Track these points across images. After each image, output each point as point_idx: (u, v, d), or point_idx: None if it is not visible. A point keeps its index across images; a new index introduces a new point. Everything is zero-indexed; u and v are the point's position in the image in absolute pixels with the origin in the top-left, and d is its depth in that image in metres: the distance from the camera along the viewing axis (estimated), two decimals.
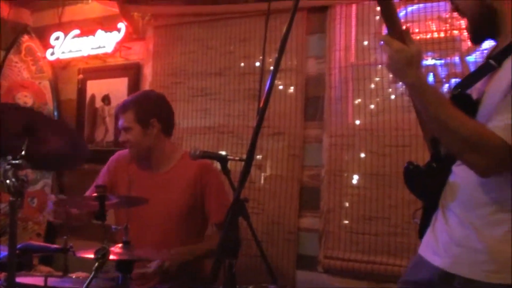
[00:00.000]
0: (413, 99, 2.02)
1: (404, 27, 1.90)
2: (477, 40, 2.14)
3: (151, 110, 3.37)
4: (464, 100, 1.94)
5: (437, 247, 2.01)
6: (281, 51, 2.00)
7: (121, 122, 3.38)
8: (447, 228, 2.00)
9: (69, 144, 2.69)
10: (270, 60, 3.95)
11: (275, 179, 4.02)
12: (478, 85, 1.98)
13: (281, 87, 4.06)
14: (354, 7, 3.81)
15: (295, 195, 3.93)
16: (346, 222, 3.72)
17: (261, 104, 1.89)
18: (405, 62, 1.83)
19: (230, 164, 2.93)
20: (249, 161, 1.88)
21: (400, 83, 1.98)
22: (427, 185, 2.16)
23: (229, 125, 4.27)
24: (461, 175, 1.99)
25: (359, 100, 3.75)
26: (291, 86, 4.03)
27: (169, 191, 3.38)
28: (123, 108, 3.38)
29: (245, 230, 2.54)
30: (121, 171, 3.53)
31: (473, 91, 1.98)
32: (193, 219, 3.40)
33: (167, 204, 3.36)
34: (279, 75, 4.07)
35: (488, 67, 1.96)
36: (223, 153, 4.12)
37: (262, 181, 4.06)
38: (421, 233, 2.18)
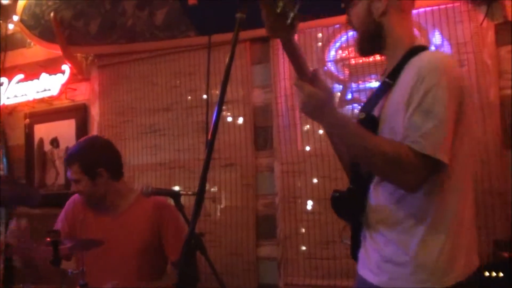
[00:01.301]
0: (330, 135, 2.17)
1: (312, 69, 1.93)
2: (364, 53, 2.25)
3: (97, 161, 3.32)
4: (371, 121, 2.03)
5: (371, 265, 2.10)
6: (225, 82, 2.00)
7: (69, 174, 3.33)
8: (376, 246, 2.08)
9: (19, 192, 2.70)
10: (217, 92, 4.00)
11: (230, 211, 4.03)
12: (380, 104, 2.06)
13: (229, 118, 4.10)
14: (295, 36, 3.85)
15: (251, 225, 3.95)
16: (304, 248, 3.74)
17: (209, 137, 1.91)
18: (318, 106, 1.88)
19: (184, 199, 2.92)
20: (200, 194, 1.88)
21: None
22: (350, 208, 2.20)
23: (180, 159, 4.28)
24: (378, 195, 2.08)
25: (308, 126, 3.80)
26: (240, 116, 4.07)
27: (126, 232, 3.35)
28: (68, 161, 3.32)
29: (204, 264, 2.54)
30: (78, 214, 3.49)
31: (376, 111, 2.06)
32: (152, 258, 3.37)
33: (125, 244, 3.32)
34: (227, 106, 4.10)
35: (386, 86, 2.07)
36: (177, 188, 4.13)
37: (217, 214, 4.07)
38: (354, 254, 2.25)
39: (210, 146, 1.91)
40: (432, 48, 3.41)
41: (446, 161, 1.87)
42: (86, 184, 3.28)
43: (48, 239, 2.76)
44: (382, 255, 2.05)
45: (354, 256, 2.23)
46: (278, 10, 1.76)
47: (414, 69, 1.98)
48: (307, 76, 1.89)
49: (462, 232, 2.01)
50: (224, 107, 4.11)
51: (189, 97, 4.30)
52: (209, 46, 2.39)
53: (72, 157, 3.29)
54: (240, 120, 4.06)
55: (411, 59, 2.04)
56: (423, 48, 2.08)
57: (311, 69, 1.92)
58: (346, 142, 1.97)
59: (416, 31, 3.45)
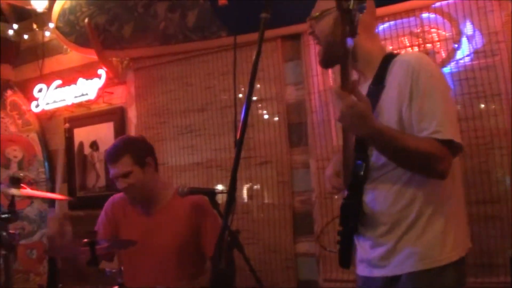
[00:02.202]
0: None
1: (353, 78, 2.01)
2: (327, 64, 2.36)
3: (144, 150, 3.42)
4: None
5: (373, 262, 2.21)
6: (252, 81, 2.06)
7: (117, 170, 3.37)
8: (376, 242, 2.20)
9: None
10: (256, 90, 4.07)
11: (267, 208, 4.05)
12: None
13: (263, 116, 4.12)
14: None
15: (288, 222, 3.96)
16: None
17: (238, 136, 1.95)
18: (358, 117, 1.92)
19: (222, 197, 2.96)
20: (231, 192, 1.94)
21: None
22: (348, 210, 2.25)
23: (217, 159, 4.31)
24: (377, 191, 2.19)
25: None
26: (273, 114, 4.09)
27: (165, 230, 3.42)
28: (116, 156, 3.38)
29: (242, 262, 2.58)
30: (117, 214, 3.56)
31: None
32: (190, 256, 3.43)
33: (164, 242, 3.40)
34: (261, 104, 4.12)
35: (374, 91, 2.16)
36: (219, 187, 4.17)
37: (255, 211, 4.09)
38: (344, 260, 2.30)
39: (239, 145, 1.96)
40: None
41: (462, 144, 2.06)
42: (138, 175, 3.36)
43: (85, 240, 2.83)
44: (385, 246, 2.17)
45: (345, 261, 2.30)
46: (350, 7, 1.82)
47: (403, 67, 2.11)
48: (347, 86, 1.91)
49: (460, 213, 2.21)
50: (257, 105, 4.14)
51: (225, 97, 4.32)
52: (235, 46, 2.41)
53: (120, 151, 3.36)
54: (274, 118, 4.08)
55: (391, 61, 2.18)
56: (396, 53, 2.24)
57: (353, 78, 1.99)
58: (382, 147, 2.05)
59: (446, 22, 3.45)
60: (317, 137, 3.87)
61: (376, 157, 2.18)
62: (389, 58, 2.22)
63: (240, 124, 1.94)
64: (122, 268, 2.86)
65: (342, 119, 1.96)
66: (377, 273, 2.20)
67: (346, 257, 2.29)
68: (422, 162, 2.04)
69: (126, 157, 3.36)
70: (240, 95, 4.19)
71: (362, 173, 2.19)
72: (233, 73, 2.61)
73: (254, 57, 3.82)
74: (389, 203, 2.16)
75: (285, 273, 3.93)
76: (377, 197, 2.18)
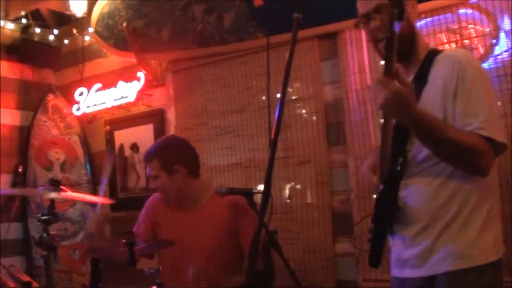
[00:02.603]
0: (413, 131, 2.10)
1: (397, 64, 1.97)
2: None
3: (174, 157, 3.45)
4: None
5: (410, 262, 2.18)
6: (286, 81, 2.06)
7: (148, 171, 3.49)
8: (413, 242, 2.16)
9: None
10: (291, 90, 4.12)
11: (306, 208, 4.05)
12: None
13: (301, 116, 4.11)
14: (363, 30, 3.84)
15: (328, 222, 3.95)
16: None
17: (272, 136, 1.97)
18: (403, 103, 1.91)
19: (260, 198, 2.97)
20: (266, 192, 1.95)
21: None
22: (383, 206, 2.24)
23: (255, 159, 4.33)
24: (414, 190, 2.16)
25: (382, 120, 3.75)
26: (311, 114, 4.08)
27: (204, 229, 3.47)
28: (148, 158, 3.48)
29: (282, 262, 2.60)
30: (158, 212, 3.63)
31: None
32: (229, 255, 3.46)
33: (203, 241, 3.45)
34: (298, 104, 4.13)
35: (419, 87, 2.11)
36: (260, 187, 4.17)
37: (294, 211, 4.09)
38: (374, 259, 2.28)
39: (273, 145, 1.97)
40: None
41: (506, 143, 2.04)
42: (164, 180, 3.43)
43: (124, 240, 2.88)
44: (421, 245, 2.13)
45: (374, 260, 2.27)
46: None
47: (449, 63, 2.09)
48: (391, 72, 1.91)
49: (498, 213, 2.18)
50: (295, 105, 4.14)
51: (263, 97, 4.32)
52: (268, 47, 2.45)
53: (151, 154, 3.46)
54: (312, 117, 4.07)
55: (435, 58, 2.16)
56: (440, 50, 2.23)
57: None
58: (425, 135, 2.02)
59: (484, 18, 3.40)
60: (355, 136, 3.85)
61: (416, 151, 2.15)
62: (433, 54, 2.20)
63: (274, 125, 1.95)
64: (160, 268, 2.90)
65: (386, 106, 1.94)
66: (413, 273, 2.18)
67: (377, 256, 2.27)
68: (465, 155, 2.01)
69: (155, 161, 3.45)
70: (278, 95, 4.19)
71: (399, 168, 2.17)
72: (267, 74, 2.63)
73: (291, 56, 3.86)
74: (427, 200, 2.13)
75: (324, 273, 3.92)
76: (414, 193, 2.16)
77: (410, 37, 2.22)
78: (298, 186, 4.11)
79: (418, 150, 2.13)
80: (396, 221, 2.19)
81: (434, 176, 2.12)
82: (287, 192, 4.14)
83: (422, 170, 2.15)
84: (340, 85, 3.96)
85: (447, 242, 2.09)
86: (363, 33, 3.84)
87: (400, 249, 2.23)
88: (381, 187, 2.22)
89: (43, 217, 2.49)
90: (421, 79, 2.15)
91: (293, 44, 2.02)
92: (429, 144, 2.04)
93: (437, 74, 2.12)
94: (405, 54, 2.21)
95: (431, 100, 2.10)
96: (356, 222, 3.74)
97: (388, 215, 2.20)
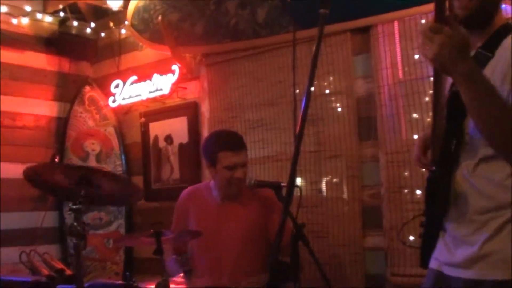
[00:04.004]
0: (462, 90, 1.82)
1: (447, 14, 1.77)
2: (477, 26, 2.02)
3: None
4: None
5: (457, 260, 2.01)
6: (312, 76, 2.02)
7: (241, 158, 3.54)
8: (466, 238, 1.99)
9: (121, 187, 2.93)
10: (325, 84, 4.14)
11: (336, 202, 4.06)
12: None
13: (333, 110, 4.12)
14: (396, 24, 3.83)
15: (357, 216, 3.96)
16: (412, 238, 3.71)
17: (297, 130, 1.95)
18: (460, 48, 1.70)
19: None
20: (291, 186, 1.94)
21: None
22: (436, 188, 2.05)
23: (286, 152, 4.34)
24: (474, 180, 1.96)
25: (414, 115, 3.75)
26: (343, 108, 4.09)
27: (235, 219, 3.54)
28: (240, 146, 3.56)
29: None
30: (190, 204, 3.70)
31: None
32: (260, 247, 3.52)
33: (235, 233, 3.51)
34: (330, 98, 4.14)
35: (482, 58, 1.94)
36: (298, 181, 4.19)
37: (323, 205, 4.10)
38: (424, 259, 2.17)
39: (298, 139, 1.97)
40: None
41: None
42: (246, 169, 3.57)
43: (151, 230, 2.95)
44: (472, 246, 1.96)
45: (425, 260, 2.15)
46: None
47: None
48: (442, 19, 1.71)
49: None
50: (327, 99, 4.15)
51: (297, 91, 4.32)
52: (294, 42, 2.44)
53: (242, 144, 3.59)
54: (343, 111, 4.08)
55: (508, 34, 1.94)
56: None
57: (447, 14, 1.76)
58: (476, 94, 1.77)
59: None
60: (387, 130, 3.85)
61: (474, 132, 1.94)
62: (506, 28, 1.98)
63: (299, 118, 1.95)
64: (187, 256, 2.96)
65: (439, 54, 1.70)
66: (461, 274, 2.00)
67: (428, 253, 2.14)
68: None
69: (245, 150, 3.59)
70: (312, 89, 4.20)
71: (452, 150, 1.98)
72: (293, 68, 2.61)
73: (323, 50, 3.88)
74: (486, 197, 1.94)
75: (353, 267, 3.93)
76: (471, 187, 1.96)
77: (492, 8, 2.00)
78: (329, 180, 4.12)
79: (475, 133, 1.92)
80: (447, 215, 2.03)
81: (496, 169, 1.92)
82: (317, 185, 4.16)
83: (482, 160, 1.94)
84: (372, 80, 3.95)
85: (498, 247, 1.90)
86: (396, 27, 3.84)
87: (449, 244, 2.06)
88: (433, 168, 2.06)
89: (74, 206, 2.56)
90: (489, 50, 1.94)
91: (319, 40, 1.99)
92: (478, 107, 1.78)
93: (504, 53, 1.89)
94: (481, 24, 2.00)
95: (494, 75, 1.87)
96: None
97: (439, 207, 2.04)
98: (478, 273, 1.93)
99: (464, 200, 1.98)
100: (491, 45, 1.94)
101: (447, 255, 2.07)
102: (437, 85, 1.91)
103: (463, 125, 1.97)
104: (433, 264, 2.16)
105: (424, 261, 2.18)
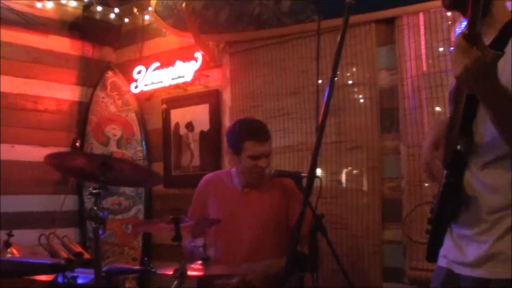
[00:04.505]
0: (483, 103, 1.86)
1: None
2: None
3: None
4: None
5: (467, 259, 2.01)
6: (335, 67, 2.00)
7: (267, 148, 3.56)
8: (476, 237, 1.99)
9: (140, 173, 2.98)
10: (347, 74, 4.12)
11: (356, 193, 4.04)
12: None
13: (355, 101, 4.10)
14: (421, 15, 3.79)
15: (377, 208, 3.93)
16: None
17: (320, 121, 1.94)
18: (484, 71, 1.69)
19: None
20: (311, 177, 1.93)
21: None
22: (448, 192, 2.05)
23: (308, 142, 4.33)
24: (487, 180, 1.96)
25: (437, 108, 3.71)
26: (365, 99, 4.06)
27: (255, 207, 3.56)
28: (266, 136, 3.59)
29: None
30: (211, 191, 3.72)
31: None
32: (279, 236, 3.53)
33: (255, 221, 3.53)
34: (353, 89, 4.11)
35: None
36: (318, 171, 4.18)
37: (343, 196, 4.09)
38: (433, 253, 2.16)
39: (320, 129, 1.96)
40: None
41: None
42: (271, 157, 3.60)
43: (170, 216, 2.97)
44: (484, 244, 1.95)
45: (433, 254, 2.15)
46: None
47: None
48: (472, 36, 1.68)
49: None
50: (350, 90, 4.12)
51: (318, 81, 4.30)
52: (319, 32, 2.42)
53: (268, 133, 3.61)
54: (366, 103, 4.05)
55: None
56: None
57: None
58: (501, 110, 1.79)
59: None
60: (409, 123, 3.82)
61: (482, 133, 1.96)
62: None
63: (322, 109, 1.94)
64: (206, 243, 2.98)
65: (465, 76, 1.70)
66: (470, 272, 1.99)
67: (436, 249, 2.15)
68: None
69: (270, 140, 3.60)
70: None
71: (462, 149, 1.98)
72: (316, 57, 2.60)
73: (348, 41, 3.84)
74: (497, 196, 1.93)
75: (371, 259, 3.91)
76: (482, 186, 1.97)
77: None
78: (349, 171, 4.10)
79: (484, 133, 1.94)
80: (458, 213, 2.03)
81: (506, 169, 1.92)
82: (337, 176, 4.14)
83: (492, 160, 1.95)
84: (396, 71, 3.92)
85: (508, 246, 1.89)
86: (421, 19, 3.80)
87: (458, 243, 2.06)
88: (445, 172, 2.04)
89: (94, 191, 2.57)
90: (499, 47, 1.86)
91: (344, 30, 1.97)
92: (504, 121, 1.80)
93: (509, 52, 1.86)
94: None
95: (505, 73, 1.85)
96: (407, 214, 3.68)
97: (450, 205, 2.03)
98: (488, 271, 1.93)
99: (474, 200, 1.98)
100: (501, 42, 1.92)
101: (457, 254, 2.07)
102: (459, 94, 1.93)
103: (472, 125, 1.98)
104: (442, 262, 2.16)
105: (431, 255, 2.18)
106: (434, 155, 2.14)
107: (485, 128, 1.93)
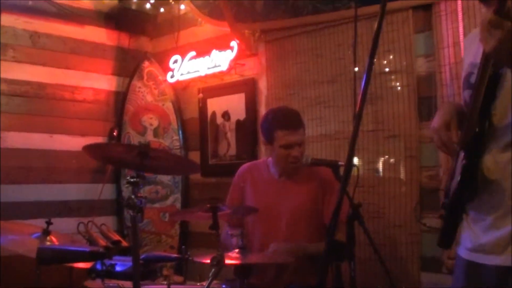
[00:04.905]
0: None
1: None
2: None
3: None
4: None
5: (488, 247, 1.97)
6: (373, 54, 1.95)
7: (299, 137, 3.55)
8: (495, 223, 1.95)
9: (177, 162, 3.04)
10: (384, 62, 4.08)
11: (394, 182, 4.00)
12: None
13: (392, 89, 4.05)
14: (459, 1, 3.72)
15: (415, 197, 3.89)
16: None
17: (357, 109, 1.92)
18: None
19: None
20: (349, 165, 1.91)
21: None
22: (465, 178, 1.98)
23: (345, 131, 4.30)
24: (506, 166, 1.92)
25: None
26: (403, 87, 4.01)
27: (292, 197, 3.55)
28: (299, 124, 3.58)
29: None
30: (249, 180, 3.74)
31: None
32: (315, 223, 3.53)
33: (291, 209, 3.53)
34: (390, 76, 4.07)
35: None
36: (355, 160, 4.15)
37: (381, 185, 4.05)
38: (446, 240, 2.10)
39: (358, 118, 1.93)
40: None
41: None
42: (304, 146, 3.59)
43: (208, 205, 2.98)
44: (503, 230, 1.92)
45: (446, 241, 2.09)
46: None
47: None
48: (504, 12, 1.66)
49: None
50: (387, 78, 4.08)
51: (356, 69, 4.26)
52: (355, 18, 2.39)
53: (300, 122, 3.59)
54: (403, 90, 4.00)
55: None
56: None
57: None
58: None
59: None
60: None
61: (502, 115, 1.93)
62: None
63: (359, 97, 1.91)
64: (242, 231, 2.99)
65: (497, 49, 1.67)
66: (490, 260, 1.96)
67: (449, 236, 2.09)
68: None
69: (302, 128, 3.59)
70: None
71: (480, 131, 1.94)
72: (353, 45, 2.56)
73: (384, 28, 3.79)
74: None
75: (409, 248, 3.87)
76: (501, 170, 1.92)
77: None
78: (387, 160, 4.06)
79: (504, 114, 1.92)
80: (475, 198, 1.97)
81: None
82: (374, 165, 4.11)
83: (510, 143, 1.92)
84: (434, 58, 3.86)
85: None
86: (459, 5, 3.73)
87: (476, 230, 2.03)
88: (463, 154, 1.99)
89: (132, 179, 2.59)
90: None
91: (381, 17, 1.92)
92: None
93: None
94: None
95: None
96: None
97: (467, 188, 1.96)
98: (509, 258, 1.89)
99: (494, 183, 1.94)
100: None
101: (476, 242, 2.03)
102: (485, 69, 1.86)
103: (491, 107, 1.94)
104: (462, 253, 2.14)
105: (443, 242, 2.12)
106: (449, 134, 2.07)
107: (506, 109, 1.91)
